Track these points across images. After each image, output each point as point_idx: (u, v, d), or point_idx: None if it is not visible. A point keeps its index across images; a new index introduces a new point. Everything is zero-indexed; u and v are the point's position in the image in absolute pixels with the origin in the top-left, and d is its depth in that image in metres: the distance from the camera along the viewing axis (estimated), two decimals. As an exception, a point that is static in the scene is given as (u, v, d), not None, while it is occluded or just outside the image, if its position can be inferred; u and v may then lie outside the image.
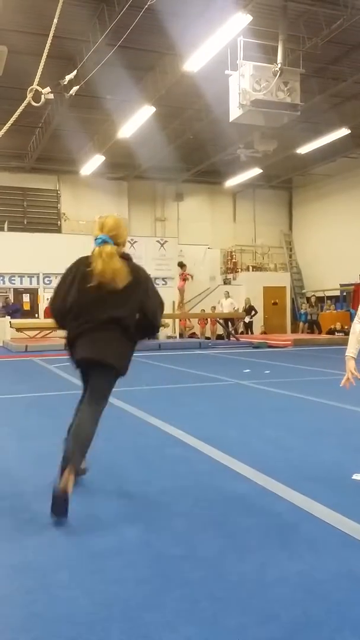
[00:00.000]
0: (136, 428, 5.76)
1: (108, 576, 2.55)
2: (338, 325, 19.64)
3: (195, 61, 12.22)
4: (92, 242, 3.53)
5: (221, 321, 20.14)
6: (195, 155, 21.30)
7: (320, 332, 20.80)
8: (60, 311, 3.53)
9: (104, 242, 3.49)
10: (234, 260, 24.42)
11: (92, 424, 3.50)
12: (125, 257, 3.54)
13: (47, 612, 2.26)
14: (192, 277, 21.76)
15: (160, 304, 3.67)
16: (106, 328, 3.43)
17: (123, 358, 3.60)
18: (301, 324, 22.21)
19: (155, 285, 3.75)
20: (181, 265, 21.11)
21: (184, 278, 20.96)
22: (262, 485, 3.77)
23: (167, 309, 21.15)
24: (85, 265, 3.46)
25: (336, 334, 19.00)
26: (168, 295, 21.45)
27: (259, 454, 4.58)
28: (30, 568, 2.65)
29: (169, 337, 20.44)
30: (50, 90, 8.05)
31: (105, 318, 3.42)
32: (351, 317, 20.25)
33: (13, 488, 3.87)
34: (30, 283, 20.25)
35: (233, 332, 19.88)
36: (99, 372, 3.52)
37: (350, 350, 3.77)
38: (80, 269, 3.48)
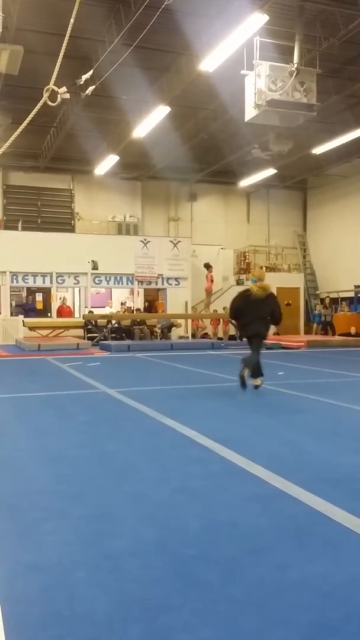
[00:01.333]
0: (151, 429, 5.76)
1: (125, 576, 2.55)
2: (353, 330, 19.50)
3: (211, 61, 12.19)
4: (251, 280, 8.36)
5: (234, 322, 20.07)
6: (210, 155, 21.27)
7: (334, 334, 20.68)
8: (235, 312, 8.21)
9: (255, 281, 8.07)
10: (247, 261, 24.35)
11: (257, 356, 7.93)
12: (263, 288, 7.88)
13: (65, 610, 2.26)
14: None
15: (279, 309, 8.05)
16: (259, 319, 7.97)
17: (265, 331, 8.12)
18: (315, 325, 22.10)
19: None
20: (207, 266, 20.85)
21: (211, 279, 20.73)
22: (278, 487, 3.75)
23: (180, 309, 21.19)
24: (246, 292, 8.05)
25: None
26: (181, 295, 21.47)
27: (274, 456, 4.56)
28: (46, 566, 2.65)
29: (181, 337, 20.44)
30: (66, 90, 8.09)
31: (257, 315, 7.88)
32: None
33: (27, 486, 3.88)
34: (44, 282, 20.30)
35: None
36: (258, 338, 8.03)
37: None
38: (245, 293, 8.04)
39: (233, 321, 8.65)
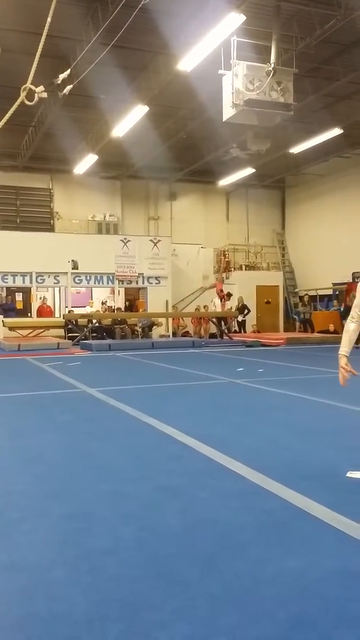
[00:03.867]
0: (131, 427, 5.76)
1: (104, 575, 2.55)
2: (331, 327, 19.66)
3: (188, 61, 12.21)
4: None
5: (214, 320, 20.17)
6: (189, 154, 21.30)
7: (312, 331, 20.86)
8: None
9: None
10: (227, 260, 24.44)
11: None
12: None
13: (43, 611, 2.25)
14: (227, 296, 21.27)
15: None
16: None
17: None
18: (298, 322, 22.40)
19: None
20: (229, 295, 20.94)
21: (221, 294, 20.69)
22: (257, 483, 3.78)
23: (160, 308, 21.21)
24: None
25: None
26: (162, 294, 21.49)
27: (254, 452, 4.59)
28: (24, 566, 2.64)
29: (162, 336, 20.45)
30: (43, 89, 8.05)
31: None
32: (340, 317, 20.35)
33: (5, 487, 3.86)
34: (23, 282, 20.19)
35: (226, 330, 19.90)
36: None
37: (343, 349, 3.78)
38: None
39: None
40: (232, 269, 24.21)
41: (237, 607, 2.28)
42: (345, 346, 3.78)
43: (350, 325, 3.80)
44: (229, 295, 20.92)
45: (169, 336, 20.82)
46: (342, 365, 3.74)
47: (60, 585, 2.46)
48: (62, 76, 9.41)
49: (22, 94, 8.01)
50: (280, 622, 2.17)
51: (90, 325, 18.64)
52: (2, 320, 18.38)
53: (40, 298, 20.88)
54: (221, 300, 20.57)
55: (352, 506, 3.31)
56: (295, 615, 2.21)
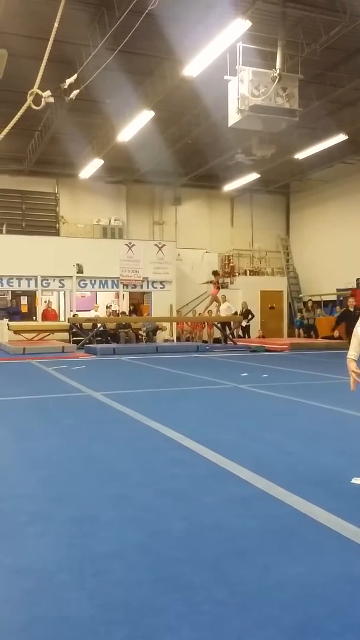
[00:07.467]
0: (136, 431, 5.77)
1: (109, 579, 2.55)
2: (336, 333, 19.59)
3: (194, 66, 12.26)
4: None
5: (218, 325, 20.16)
6: (194, 159, 21.35)
7: (316, 337, 20.82)
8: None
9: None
10: (231, 265, 24.46)
11: None
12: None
13: (49, 614, 2.26)
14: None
15: None
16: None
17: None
18: (296, 329, 22.39)
19: None
20: (215, 273, 20.83)
21: (217, 286, 20.68)
22: (262, 488, 3.78)
23: (165, 312, 21.22)
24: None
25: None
26: (166, 298, 21.51)
27: (258, 458, 4.59)
28: (30, 570, 2.65)
29: (166, 340, 20.45)
30: (50, 94, 8.08)
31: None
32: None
33: (11, 490, 3.87)
34: (28, 285, 20.23)
35: (230, 335, 19.89)
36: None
37: (352, 353, 3.78)
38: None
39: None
40: (237, 274, 24.22)
41: (242, 612, 2.28)
42: (353, 350, 3.78)
43: (359, 330, 3.79)
44: (215, 273, 20.76)
45: (173, 340, 20.81)
46: (352, 369, 3.73)
47: (66, 589, 2.47)
48: (68, 81, 9.44)
49: (29, 99, 8.05)
50: (286, 627, 2.17)
51: (94, 329, 18.66)
52: (7, 324, 18.41)
53: (45, 302, 20.92)
54: (217, 289, 20.46)
55: (356, 512, 3.31)
56: (301, 621, 2.21)
